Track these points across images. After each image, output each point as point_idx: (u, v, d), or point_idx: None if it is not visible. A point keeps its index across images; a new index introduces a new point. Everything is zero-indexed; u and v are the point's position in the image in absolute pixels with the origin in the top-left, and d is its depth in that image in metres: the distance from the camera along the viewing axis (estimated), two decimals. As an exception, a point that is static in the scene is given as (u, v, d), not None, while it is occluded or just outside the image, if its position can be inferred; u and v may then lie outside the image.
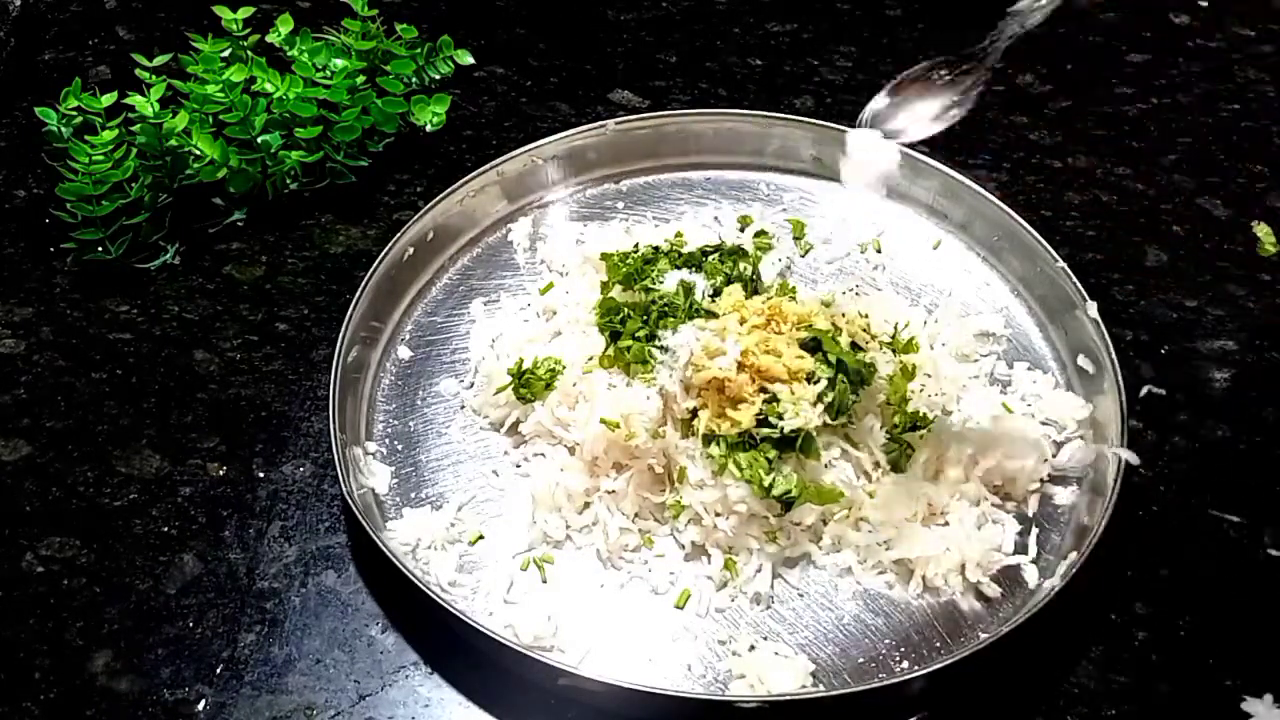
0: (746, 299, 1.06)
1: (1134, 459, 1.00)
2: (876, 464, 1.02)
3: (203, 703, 0.92)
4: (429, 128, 1.34)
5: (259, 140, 1.24)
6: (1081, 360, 1.10)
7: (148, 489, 1.05)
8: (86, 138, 1.18)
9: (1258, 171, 1.35)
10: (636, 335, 1.04)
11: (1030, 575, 0.98)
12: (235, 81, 1.24)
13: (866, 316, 1.09)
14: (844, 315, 1.06)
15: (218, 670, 0.94)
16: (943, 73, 0.94)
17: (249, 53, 1.31)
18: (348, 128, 1.26)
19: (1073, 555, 0.95)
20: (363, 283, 1.11)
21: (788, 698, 0.90)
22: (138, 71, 1.26)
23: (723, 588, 0.98)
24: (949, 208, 1.24)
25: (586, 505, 1.01)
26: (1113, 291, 1.22)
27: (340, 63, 1.32)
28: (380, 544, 0.93)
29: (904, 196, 1.26)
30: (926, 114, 0.96)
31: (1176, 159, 1.36)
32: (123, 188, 1.18)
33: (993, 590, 0.97)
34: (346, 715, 0.92)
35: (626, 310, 1.06)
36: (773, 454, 0.97)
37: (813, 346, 1.01)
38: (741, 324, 1.02)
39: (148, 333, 1.17)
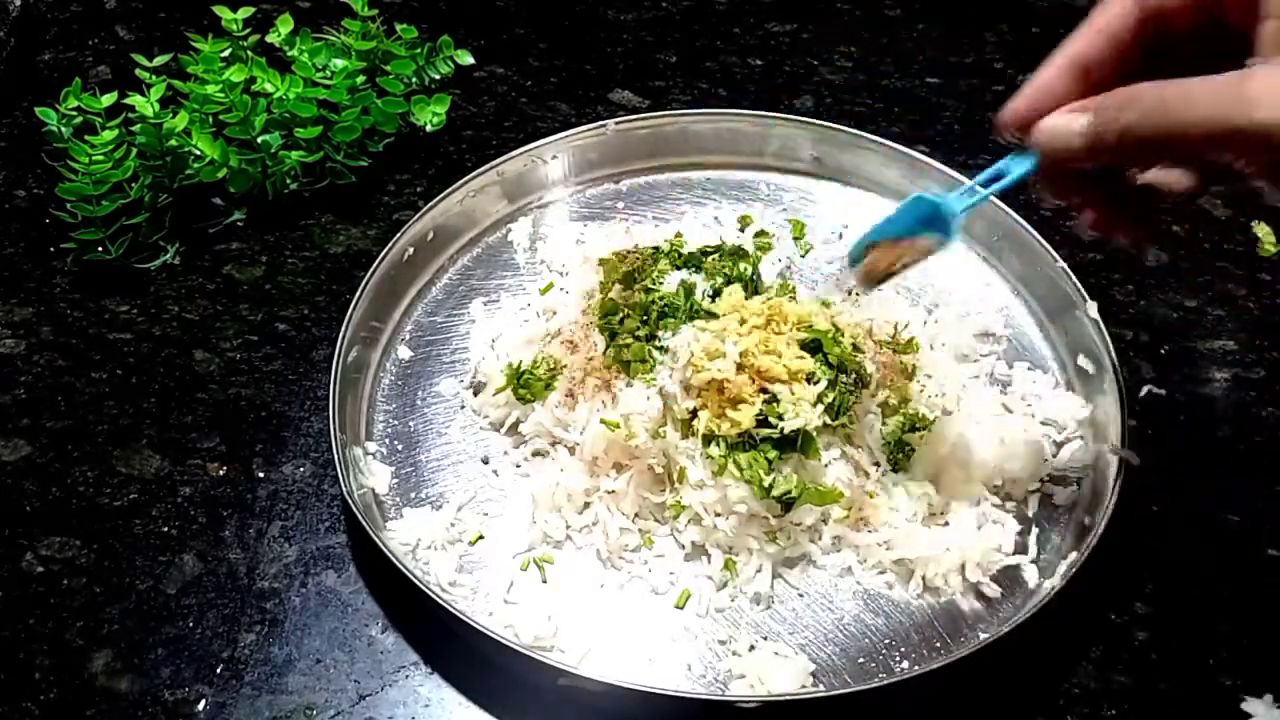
0: (746, 299, 1.06)
1: (1134, 459, 1.00)
2: (876, 464, 1.02)
3: (203, 703, 0.92)
4: (429, 128, 1.34)
5: (259, 140, 1.24)
6: (1081, 360, 1.10)
7: (148, 489, 1.05)
8: (86, 138, 1.18)
9: (1258, 171, 1.34)
10: (637, 335, 1.04)
11: (1030, 575, 0.98)
12: (235, 81, 1.24)
13: (870, 321, 1.09)
14: (849, 325, 1.06)
15: (218, 670, 0.94)
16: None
17: (249, 53, 1.31)
18: (348, 128, 1.26)
19: (1073, 555, 0.95)
20: (363, 283, 1.11)
21: (788, 698, 0.90)
22: (138, 71, 1.26)
23: (723, 588, 0.98)
24: (949, 208, 1.23)
25: (586, 505, 1.01)
26: (1113, 291, 1.22)
27: (340, 63, 1.32)
28: (380, 544, 0.93)
29: (904, 196, 1.25)
30: None
31: (1176, 159, 1.36)
32: (123, 188, 1.18)
33: (993, 590, 0.97)
34: (346, 715, 0.92)
35: (625, 310, 1.06)
36: (773, 454, 0.97)
37: (813, 347, 1.01)
38: (741, 325, 1.02)
39: (148, 333, 1.17)
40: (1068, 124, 0.75)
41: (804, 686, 0.91)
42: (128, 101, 1.20)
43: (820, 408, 0.98)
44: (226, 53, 1.30)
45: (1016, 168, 0.83)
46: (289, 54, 1.33)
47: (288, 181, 1.27)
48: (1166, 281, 1.23)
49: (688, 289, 1.07)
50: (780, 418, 0.97)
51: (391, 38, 1.37)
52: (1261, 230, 1.28)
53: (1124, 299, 1.21)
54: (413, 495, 1.04)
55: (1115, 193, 0.83)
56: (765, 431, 0.97)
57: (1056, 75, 0.79)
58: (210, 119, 1.25)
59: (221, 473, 1.06)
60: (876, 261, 0.95)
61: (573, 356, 1.06)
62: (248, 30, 1.32)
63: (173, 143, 1.21)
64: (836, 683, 0.92)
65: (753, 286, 1.10)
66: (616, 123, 1.28)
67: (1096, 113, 0.73)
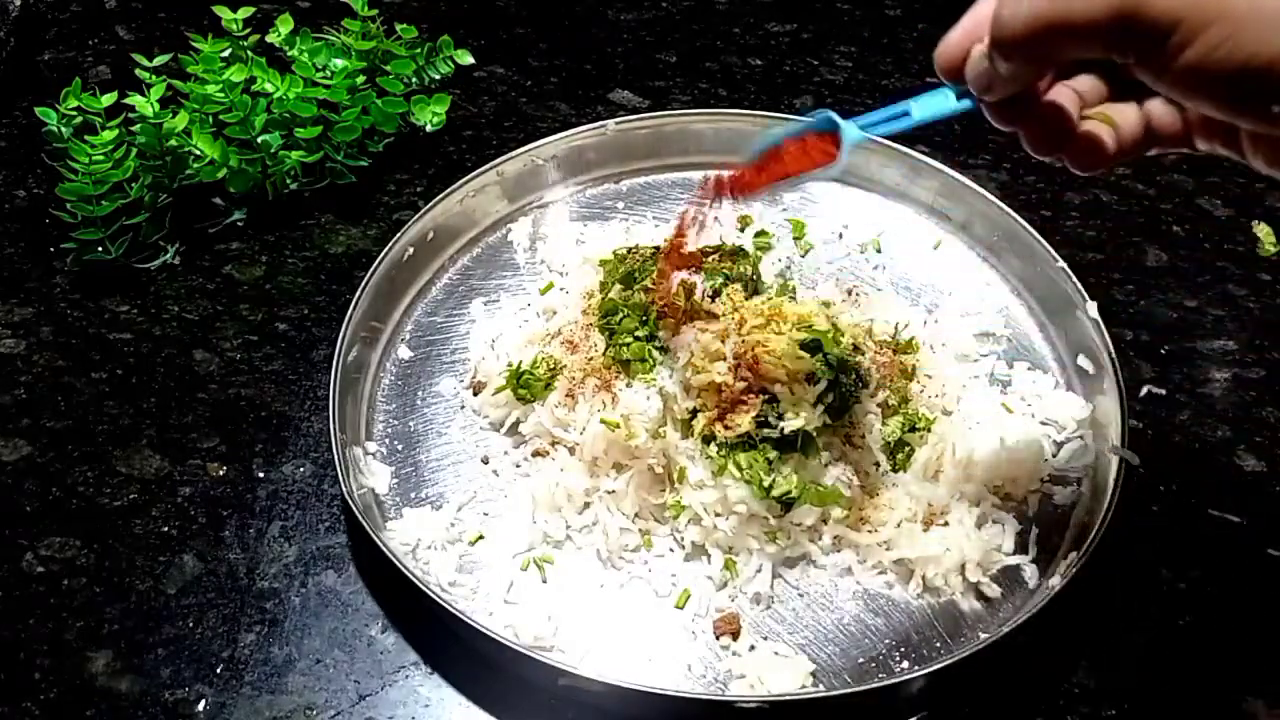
0: (746, 299, 1.06)
1: (1134, 459, 1.00)
2: (876, 464, 1.02)
3: (203, 703, 0.92)
4: (429, 128, 1.34)
5: (259, 140, 1.24)
6: (1081, 360, 1.10)
7: (148, 489, 1.05)
8: (86, 138, 1.18)
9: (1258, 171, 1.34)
10: (637, 335, 1.04)
11: (1030, 575, 0.98)
12: (235, 81, 1.24)
13: (870, 321, 1.09)
14: (849, 325, 1.06)
15: (218, 670, 0.94)
16: None
17: (249, 53, 1.31)
18: (348, 128, 1.26)
19: (1073, 555, 0.95)
20: (363, 283, 1.11)
21: (788, 698, 0.90)
22: (138, 71, 1.26)
23: (723, 588, 0.98)
24: (949, 208, 1.24)
25: (586, 505, 1.01)
26: (1113, 291, 1.22)
27: (340, 63, 1.32)
28: (380, 544, 0.93)
29: (904, 196, 1.26)
30: None
31: (1176, 159, 1.36)
32: (123, 188, 1.18)
33: (993, 590, 0.97)
34: (346, 715, 0.92)
35: (625, 310, 1.06)
36: (773, 454, 0.97)
37: (813, 347, 1.01)
38: (741, 325, 1.02)
39: (148, 333, 1.17)
40: (980, 51, 0.76)
41: (804, 686, 0.91)
42: (128, 101, 1.20)
43: (820, 408, 0.98)
44: (226, 53, 1.30)
45: (929, 106, 0.83)
46: (289, 54, 1.33)
47: (288, 181, 1.27)
48: (1166, 281, 1.23)
49: (688, 289, 1.07)
50: (780, 418, 0.97)
51: (391, 38, 1.37)
52: (1261, 230, 1.28)
53: (1124, 299, 1.21)
54: (413, 495, 1.04)
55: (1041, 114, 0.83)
56: (765, 432, 0.97)
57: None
58: (210, 119, 1.25)
59: (221, 473, 1.06)
60: (766, 165, 0.93)
61: (573, 356, 1.06)
62: (248, 30, 1.32)
63: (173, 143, 1.21)
64: (836, 683, 0.92)
65: (753, 286, 1.10)
66: (616, 123, 1.28)
67: (995, 18, 0.72)
